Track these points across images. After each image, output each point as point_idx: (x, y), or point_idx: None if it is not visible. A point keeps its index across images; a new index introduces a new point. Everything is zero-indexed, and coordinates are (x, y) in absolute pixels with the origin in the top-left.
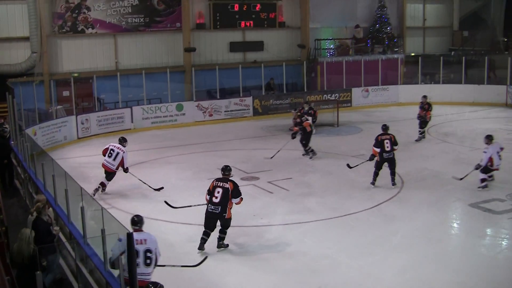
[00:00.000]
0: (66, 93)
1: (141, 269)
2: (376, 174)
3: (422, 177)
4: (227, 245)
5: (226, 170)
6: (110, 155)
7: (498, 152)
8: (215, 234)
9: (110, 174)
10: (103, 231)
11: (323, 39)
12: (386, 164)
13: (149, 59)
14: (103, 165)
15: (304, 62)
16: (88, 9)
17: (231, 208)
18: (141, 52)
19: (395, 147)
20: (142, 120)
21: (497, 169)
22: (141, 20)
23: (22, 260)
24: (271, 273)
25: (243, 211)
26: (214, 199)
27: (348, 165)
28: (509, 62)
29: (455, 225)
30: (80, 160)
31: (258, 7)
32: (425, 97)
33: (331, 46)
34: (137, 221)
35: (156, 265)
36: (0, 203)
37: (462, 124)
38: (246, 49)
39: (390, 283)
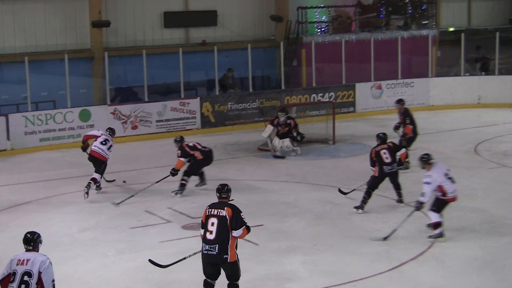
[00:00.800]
0: None
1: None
2: (368, 195)
3: (468, 222)
4: None
5: (223, 190)
6: (104, 143)
7: (447, 175)
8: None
9: (101, 164)
10: None
11: (310, 7)
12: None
13: (36, 39)
14: (93, 153)
15: (281, 44)
16: None
17: (235, 246)
18: (23, 28)
19: (398, 154)
20: (25, 136)
21: (454, 199)
22: None
23: None
24: None
25: (188, 278)
26: (208, 235)
27: (340, 190)
28: None
29: None
30: None
31: None
32: (400, 101)
33: (323, 18)
34: (29, 240)
35: None
36: None
37: None
38: (190, 24)
39: None
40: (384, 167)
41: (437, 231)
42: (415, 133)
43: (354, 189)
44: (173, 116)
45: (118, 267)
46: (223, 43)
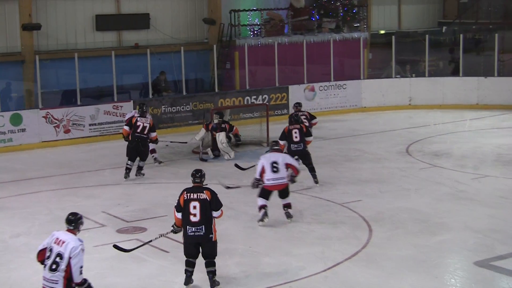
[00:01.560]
0: None
1: (45, 272)
2: None
3: (401, 222)
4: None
5: (197, 175)
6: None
7: (273, 163)
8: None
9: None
10: None
11: (243, 10)
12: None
13: None
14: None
15: (214, 47)
16: None
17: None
18: None
19: (307, 139)
20: None
21: (269, 188)
22: None
23: None
24: None
25: (122, 283)
26: (192, 218)
27: (236, 165)
28: None
29: None
30: None
31: None
32: (297, 105)
33: (256, 20)
34: (71, 220)
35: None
36: None
37: (461, 139)
38: (123, 27)
39: None
40: (292, 145)
41: (260, 213)
42: None
43: (250, 167)
44: (106, 120)
45: None
46: (156, 46)
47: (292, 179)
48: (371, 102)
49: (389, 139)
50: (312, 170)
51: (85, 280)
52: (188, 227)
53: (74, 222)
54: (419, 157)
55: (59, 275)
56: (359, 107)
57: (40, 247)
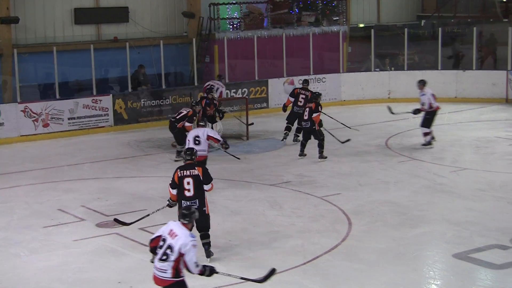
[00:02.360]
0: None
1: (156, 262)
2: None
3: (380, 215)
4: (213, 254)
5: (187, 153)
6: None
7: (195, 137)
8: None
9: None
10: None
11: (222, 4)
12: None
13: None
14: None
15: (194, 40)
16: None
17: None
18: None
19: (314, 115)
20: None
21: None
22: None
23: None
24: None
25: (102, 277)
26: (187, 193)
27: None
28: (509, 34)
29: (433, 287)
30: None
31: None
32: (305, 83)
33: (235, 14)
34: (185, 215)
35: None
36: None
37: (440, 132)
38: (101, 20)
39: None
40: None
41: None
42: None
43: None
44: (85, 114)
45: (31, 267)
46: (135, 40)
47: (223, 146)
48: (350, 95)
49: (368, 132)
50: (320, 146)
51: (204, 270)
52: (183, 201)
53: (188, 216)
54: (398, 150)
55: (168, 265)
56: (338, 100)
57: (155, 234)
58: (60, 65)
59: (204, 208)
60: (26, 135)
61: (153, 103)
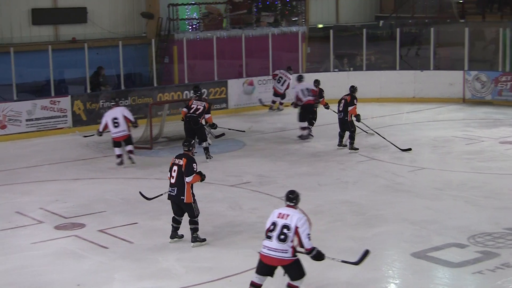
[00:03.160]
0: None
1: (273, 243)
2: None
3: (340, 214)
4: (204, 239)
5: (185, 144)
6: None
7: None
8: None
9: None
10: None
11: (181, 4)
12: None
13: None
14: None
15: (153, 41)
16: None
17: (190, 189)
18: None
19: (350, 108)
20: None
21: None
22: None
23: None
24: None
25: (60, 279)
26: (171, 180)
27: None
28: (466, 34)
29: (392, 286)
30: None
31: None
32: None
33: (194, 15)
34: (290, 197)
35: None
36: None
37: (398, 132)
38: (59, 21)
39: None
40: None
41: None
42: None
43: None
44: (44, 115)
45: None
46: (94, 41)
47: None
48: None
49: (327, 133)
50: (350, 137)
51: (313, 248)
52: (169, 187)
53: (294, 199)
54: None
55: (288, 245)
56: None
57: (267, 226)
58: (18, 66)
59: (182, 197)
60: None
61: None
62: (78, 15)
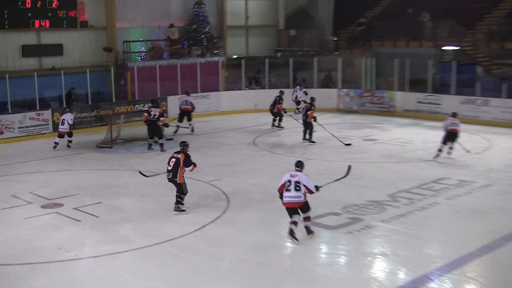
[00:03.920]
0: None
1: (292, 193)
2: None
3: (250, 194)
4: (184, 210)
5: (181, 144)
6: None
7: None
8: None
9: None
10: None
11: (133, 41)
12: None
13: None
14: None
15: (112, 68)
16: None
17: (182, 175)
18: None
19: (309, 112)
20: None
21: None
22: None
23: None
24: None
25: (46, 245)
26: (168, 167)
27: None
28: (339, 63)
29: (288, 244)
30: None
31: (55, 3)
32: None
33: (142, 48)
34: (298, 165)
35: (310, 191)
36: None
37: (291, 133)
38: (42, 54)
39: None
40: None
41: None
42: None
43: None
44: (31, 124)
45: None
46: (68, 68)
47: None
48: (228, 107)
49: (241, 134)
50: (309, 134)
51: (317, 188)
52: (166, 172)
53: (300, 166)
54: (262, 147)
55: (301, 193)
56: (219, 111)
57: (281, 183)
58: (11, 88)
59: (175, 179)
60: None
61: (82, 115)
62: (56, 49)
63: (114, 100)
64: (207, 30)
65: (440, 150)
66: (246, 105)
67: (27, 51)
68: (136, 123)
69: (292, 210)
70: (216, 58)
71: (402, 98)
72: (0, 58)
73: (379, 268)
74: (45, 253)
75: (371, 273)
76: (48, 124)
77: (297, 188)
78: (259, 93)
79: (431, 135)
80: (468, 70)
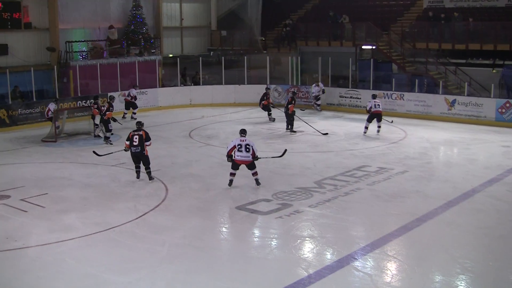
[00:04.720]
0: None
1: (243, 153)
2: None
3: (187, 182)
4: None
5: (138, 125)
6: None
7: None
8: None
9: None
10: None
11: (75, 41)
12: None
13: None
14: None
15: (55, 67)
16: None
17: (145, 148)
18: None
19: (289, 106)
20: None
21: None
22: None
23: None
24: None
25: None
26: (134, 143)
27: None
28: (268, 61)
29: (224, 229)
30: None
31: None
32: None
33: (84, 48)
34: (243, 132)
35: (254, 154)
36: None
37: (225, 126)
38: None
39: None
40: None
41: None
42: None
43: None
44: None
45: None
46: (13, 67)
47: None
48: (165, 102)
49: (177, 128)
50: (290, 124)
51: (257, 156)
52: (131, 148)
53: (244, 133)
54: (197, 139)
55: (250, 154)
56: (156, 106)
57: (230, 146)
58: None
59: (143, 152)
60: None
61: (27, 111)
62: (2, 49)
63: (57, 96)
64: (144, 31)
65: (366, 128)
66: (182, 100)
67: None
68: (79, 118)
69: (238, 165)
70: (153, 57)
71: (326, 93)
72: None
73: (308, 249)
74: None
75: (300, 254)
76: None
77: (247, 149)
78: (194, 89)
79: (352, 126)
80: (384, 67)
